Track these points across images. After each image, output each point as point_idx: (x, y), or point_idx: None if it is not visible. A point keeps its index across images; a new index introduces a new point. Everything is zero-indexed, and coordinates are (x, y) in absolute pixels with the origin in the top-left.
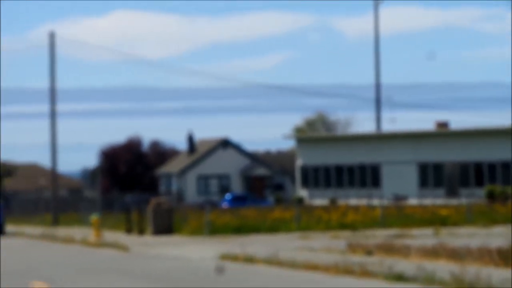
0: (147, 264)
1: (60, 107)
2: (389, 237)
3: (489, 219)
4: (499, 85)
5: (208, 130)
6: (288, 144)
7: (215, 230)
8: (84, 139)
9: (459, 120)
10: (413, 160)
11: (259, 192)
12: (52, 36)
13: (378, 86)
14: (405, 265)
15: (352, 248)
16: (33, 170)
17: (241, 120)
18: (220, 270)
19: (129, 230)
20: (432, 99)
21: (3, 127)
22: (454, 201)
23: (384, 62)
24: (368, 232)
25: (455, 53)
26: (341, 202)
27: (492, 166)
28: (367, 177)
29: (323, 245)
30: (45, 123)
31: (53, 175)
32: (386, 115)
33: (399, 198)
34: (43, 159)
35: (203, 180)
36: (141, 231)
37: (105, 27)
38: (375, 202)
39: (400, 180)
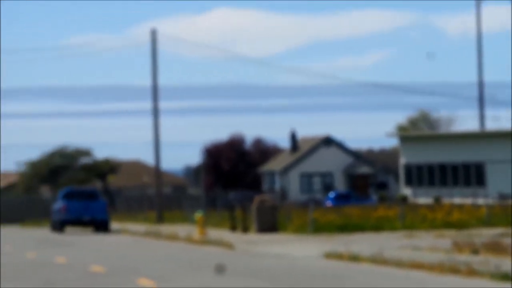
0: (252, 262)
1: (163, 104)
2: (495, 236)
3: None
4: None
5: (310, 127)
6: (391, 142)
7: (319, 228)
8: (187, 136)
9: None
10: None
11: (363, 191)
12: (154, 34)
13: (481, 84)
14: None
15: (458, 247)
16: (136, 167)
17: (343, 118)
18: (220, 270)
19: (233, 228)
20: None
21: (108, 124)
22: None
23: (487, 60)
24: (473, 231)
25: None
26: (445, 200)
27: None
28: (471, 175)
29: (428, 244)
30: (148, 121)
31: (157, 172)
32: (489, 113)
33: (504, 197)
34: (147, 156)
35: (306, 178)
36: (245, 229)
37: (206, 24)
38: (480, 201)
39: (505, 179)
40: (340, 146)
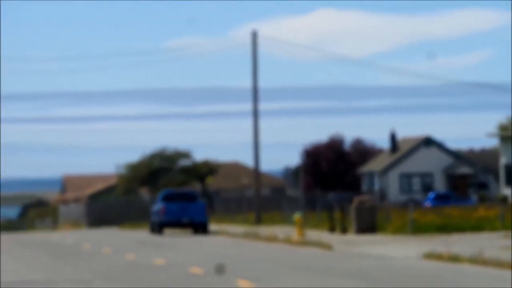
0: (350, 263)
1: (263, 106)
2: None
3: None
4: None
5: (410, 128)
6: (492, 143)
7: (418, 229)
8: (286, 137)
9: None
10: None
11: (462, 191)
12: (254, 35)
13: None
14: None
15: None
16: (235, 168)
17: (444, 118)
18: (220, 270)
19: (332, 229)
20: None
21: (207, 126)
22: None
23: None
24: None
25: None
26: None
27: None
28: None
29: None
30: (248, 122)
31: (256, 173)
32: None
33: None
34: (245, 158)
35: (406, 178)
36: (344, 230)
37: (307, 25)
38: None
39: None
40: (440, 146)
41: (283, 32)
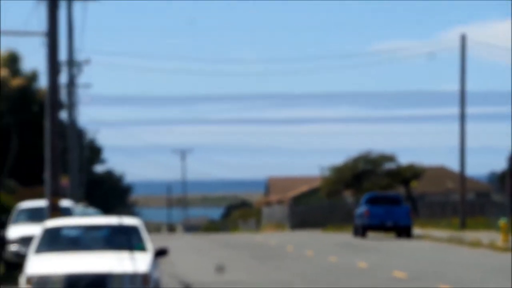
0: None
1: (470, 110)
2: None
3: None
4: None
5: None
6: None
7: None
8: (492, 142)
9: None
10: None
11: None
12: (463, 39)
13: None
14: None
15: None
16: (440, 172)
17: None
18: (220, 269)
19: None
20: None
21: (413, 130)
22: None
23: None
24: None
25: None
26: None
27: None
28: None
29: None
30: (454, 126)
31: (461, 178)
32: None
33: None
34: (451, 162)
35: None
36: None
37: None
38: None
39: None
40: None
41: (491, 35)
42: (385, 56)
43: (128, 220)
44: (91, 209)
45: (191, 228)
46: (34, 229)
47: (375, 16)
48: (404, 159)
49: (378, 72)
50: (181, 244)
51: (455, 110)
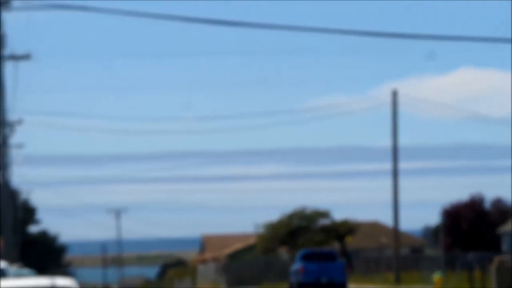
0: None
1: (402, 165)
2: None
3: None
4: None
5: None
6: None
7: None
8: (426, 196)
9: None
10: None
11: None
12: (394, 95)
13: None
14: None
15: None
16: (374, 228)
17: None
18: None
19: None
20: None
21: (346, 186)
22: None
23: None
24: None
25: None
26: None
27: None
28: None
29: None
30: (387, 181)
31: (395, 233)
32: None
33: None
34: (385, 217)
35: None
36: None
37: (447, 84)
38: None
39: None
40: None
41: (423, 91)
42: (320, 112)
43: (61, 281)
44: (25, 270)
45: None
46: None
47: (309, 72)
48: (338, 215)
49: (313, 128)
50: None
51: (388, 165)
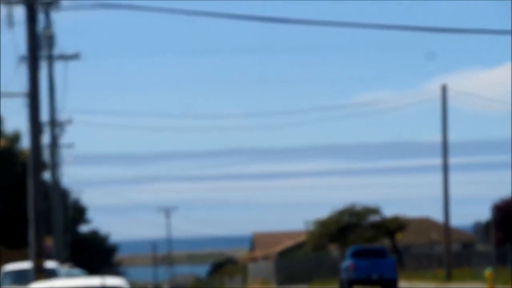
0: None
1: (452, 160)
2: None
3: None
4: None
5: None
6: None
7: None
8: (476, 192)
9: None
10: None
11: None
12: (444, 89)
13: None
14: None
15: None
16: (425, 224)
17: None
18: None
19: None
20: None
21: (396, 182)
22: None
23: None
24: None
25: None
26: None
27: None
28: None
29: None
30: (437, 177)
31: (446, 229)
32: None
33: None
34: (435, 213)
35: None
36: None
37: (496, 78)
38: None
39: None
40: None
41: (472, 85)
42: (369, 108)
43: (112, 280)
44: (76, 270)
45: (178, 286)
46: None
47: (356, 68)
48: (388, 211)
49: (361, 124)
50: None
51: (438, 160)
